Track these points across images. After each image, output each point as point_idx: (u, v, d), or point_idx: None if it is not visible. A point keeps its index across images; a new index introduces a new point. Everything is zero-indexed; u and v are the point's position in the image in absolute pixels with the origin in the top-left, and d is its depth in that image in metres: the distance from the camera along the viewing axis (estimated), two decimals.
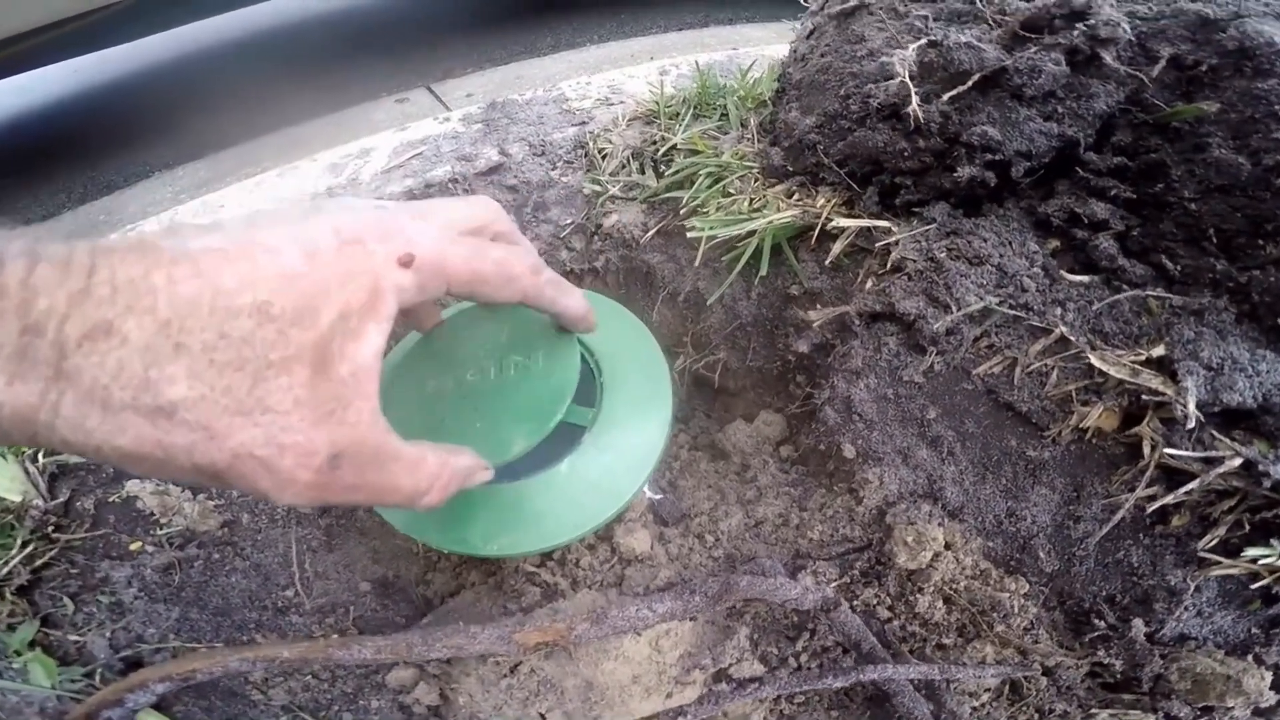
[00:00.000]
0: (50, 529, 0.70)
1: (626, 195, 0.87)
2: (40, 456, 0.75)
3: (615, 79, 1.06)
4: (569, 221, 0.90)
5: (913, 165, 0.63)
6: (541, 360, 0.63)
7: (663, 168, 0.85)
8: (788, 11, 1.33)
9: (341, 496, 0.35)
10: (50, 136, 1.60)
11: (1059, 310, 0.58)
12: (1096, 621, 0.56)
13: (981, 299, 0.59)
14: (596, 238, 0.88)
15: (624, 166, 0.89)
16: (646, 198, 0.85)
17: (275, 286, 0.30)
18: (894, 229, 0.65)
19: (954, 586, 0.59)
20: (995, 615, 0.57)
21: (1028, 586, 0.57)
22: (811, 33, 0.75)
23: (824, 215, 0.69)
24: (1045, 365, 0.58)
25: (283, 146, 1.22)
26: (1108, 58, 0.56)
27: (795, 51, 0.76)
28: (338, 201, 0.36)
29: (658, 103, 0.90)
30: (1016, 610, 0.58)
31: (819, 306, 0.68)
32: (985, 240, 0.61)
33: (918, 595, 0.59)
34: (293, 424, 0.31)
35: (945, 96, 0.59)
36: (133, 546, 0.72)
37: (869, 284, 0.67)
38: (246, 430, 0.30)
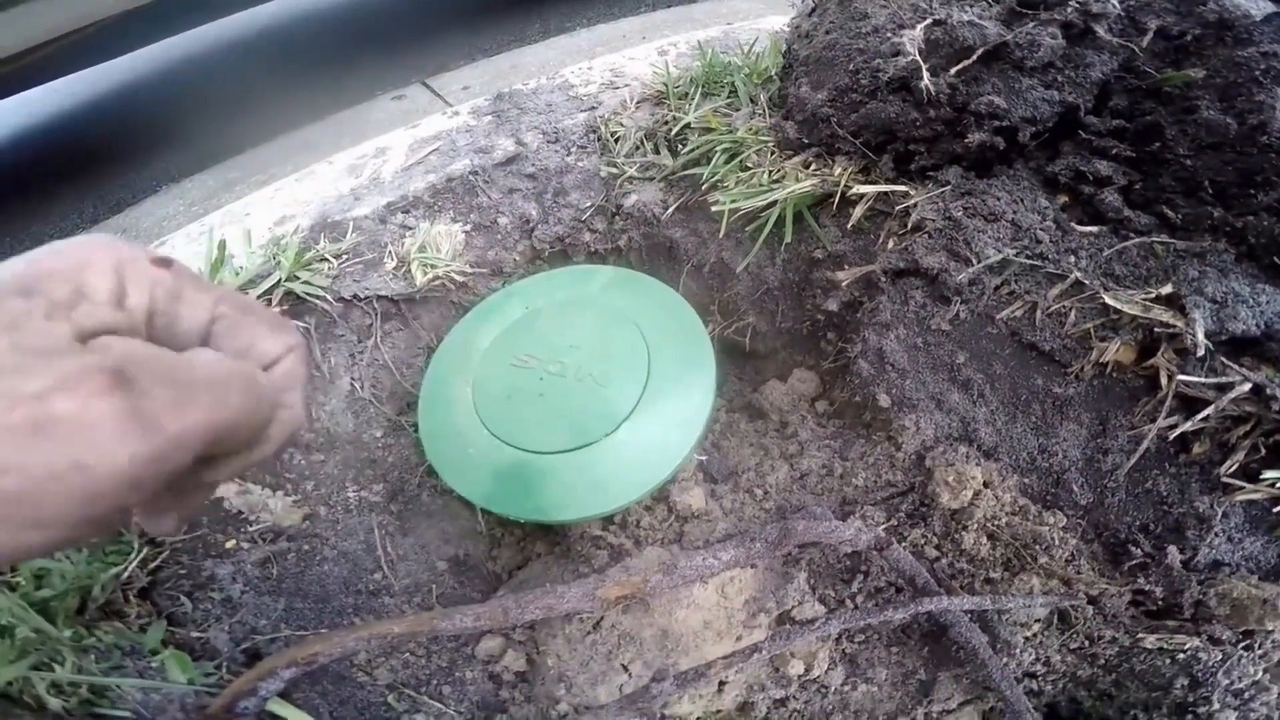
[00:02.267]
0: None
1: (644, 175, 0.88)
2: None
3: (616, 62, 1.06)
4: (589, 204, 0.91)
5: (925, 133, 0.65)
6: (612, 382, 0.67)
7: (678, 146, 0.86)
8: None
9: (180, 421, 0.25)
10: (50, 156, 1.56)
11: (1072, 258, 0.61)
12: (1134, 550, 0.59)
13: (1000, 251, 0.62)
14: (618, 218, 0.90)
15: (638, 148, 0.90)
16: (664, 176, 0.86)
17: None
18: (911, 192, 0.68)
19: (996, 523, 0.63)
20: (1038, 548, 0.61)
21: (1065, 520, 0.61)
22: (814, 10, 0.76)
23: (842, 183, 0.70)
24: (1063, 307, 0.61)
25: (286, 151, 1.20)
26: (1100, 30, 0.58)
27: (799, 29, 0.77)
28: None
29: (665, 84, 0.91)
30: (1057, 543, 0.62)
31: (846, 267, 0.71)
32: (999, 199, 0.63)
33: (962, 533, 0.63)
34: (38, 366, 0.23)
35: (952, 70, 0.61)
36: (228, 545, 0.75)
37: (890, 244, 0.69)
38: None
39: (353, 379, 0.83)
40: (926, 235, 0.66)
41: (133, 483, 0.23)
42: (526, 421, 0.67)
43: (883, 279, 0.69)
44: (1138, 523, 0.61)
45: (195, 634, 0.62)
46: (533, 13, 1.26)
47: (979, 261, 0.62)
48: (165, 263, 0.29)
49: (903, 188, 0.68)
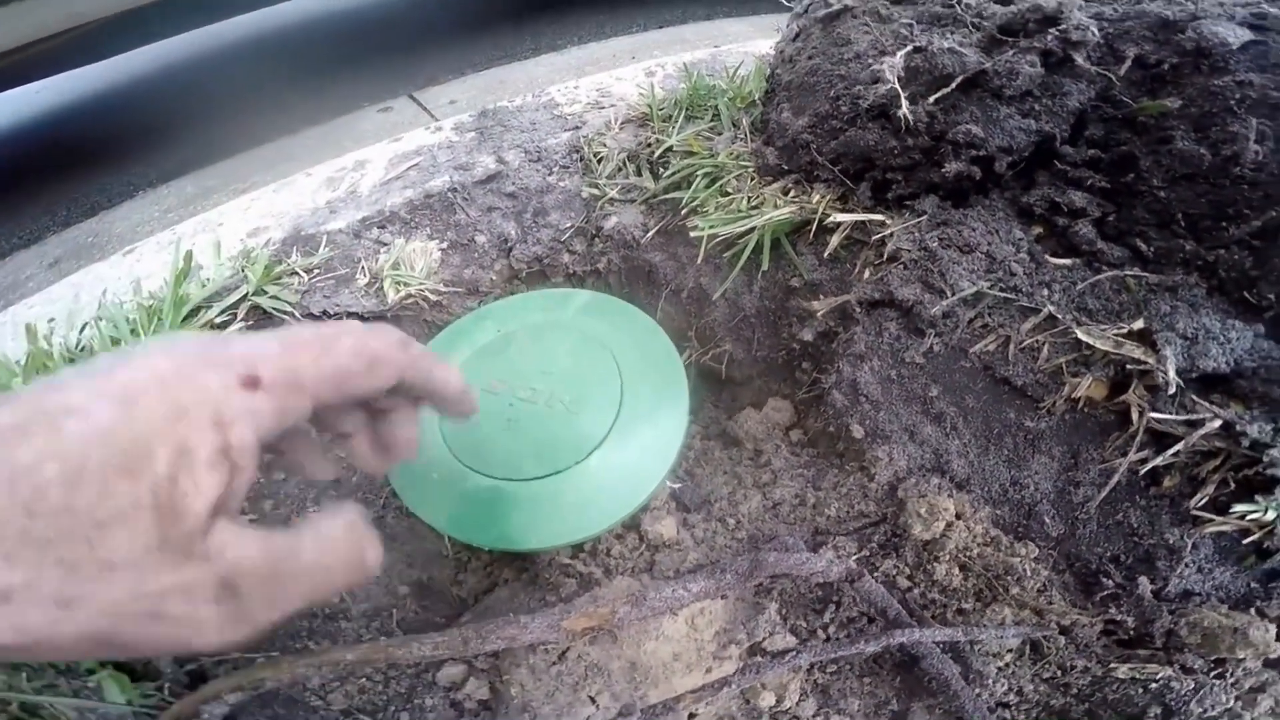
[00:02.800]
0: None
1: (625, 197, 0.87)
2: None
3: (603, 81, 1.05)
4: (569, 225, 0.90)
5: (903, 162, 0.65)
6: (583, 410, 0.65)
7: (659, 169, 0.85)
8: (766, 4, 1.33)
9: (279, 612, 0.30)
10: (25, 158, 1.52)
11: (1045, 291, 0.60)
12: (1105, 581, 0.59)
13: (974, 284, 0.61)
14: (598, 240, 0.89)
15: (620, 169, 0.89)
16: (645, 199, 0.86)
17: (86, 448, 0.26)
18: (888, 221, 0.67)
19: (968, 554, 0.62)
20: (1010, 579, 0.60)
21: (1037, 551, 0.60)
22: (798, 35, 0.76)
23: (820, 210, 0.70)
24: (1036, 341, 0.60)
25: (269, 161, 1.18)
26: (1079, 59, 0.58)
27: (783, 53, 0.77)
28: (154, 341, 0.32)
29: (650, 105, 0.90)
30: (1029, 574, 0.61)
31: (821, 297, 0.70)
32: (974, 229, 0.63)
33: (935, 564, 0.62)
34: (152, 568, 0.26)
35: (931, 98, 0.61)
36: None
37: (866, 274, 0.69)
38: (106, 592, 0.26)
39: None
40: (902, 266, 0.66)
41: (223, 650, 0.30)
42: (494, 448, 0.65)
43: (858, 309, 0.68)
44: (1109, 554, 0.60)
45: None
46: (524, 30, 1.25)
47: (953, 294, 0.61)
48: (254, 383, 0.30)
49: (879, 217, 0.67)
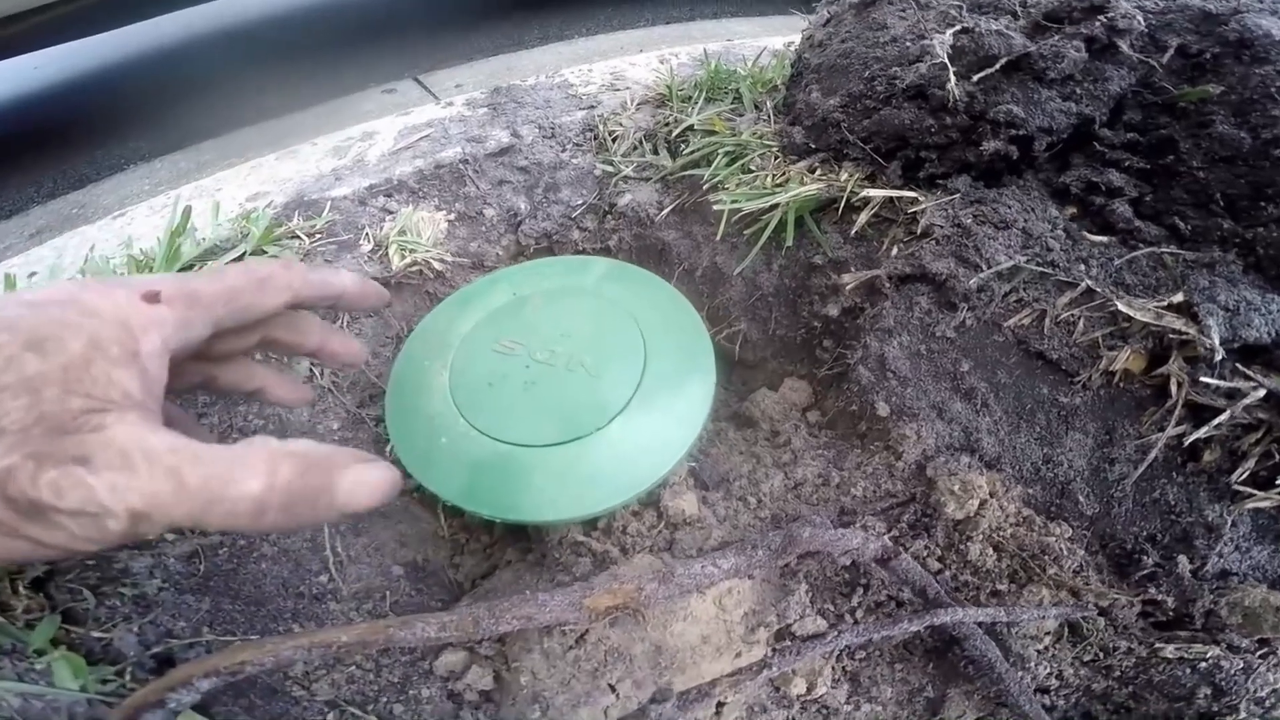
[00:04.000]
0: None
1: (640, 175, 0.84)
2: None
3: (617, 66, 1.03)
4: (580, 202, 0.86)
5: (939, 140, 0.63)
6: (605, 374, 0.61)
7: (678, 148, 0.82)
8: (773, 7, 1.33)
9: (102, 500, 0.27)
10: (17, 129, 1.42)
11: (1083, 266, 0.58)
12: (1142, 560, 0.56)
13: (1011, 258, 0.59)
14: (610, 217, 0.85)
15: (636, 148, 0.86)
16: (661, 177, 0.82)
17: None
18: (921, 198, 0.65)
19: (1001, 534, 0.58)
20: (1046, 559, 0.57)
21: (1071, 530, 0.57)
22: (829, 21, 0.74)
23: (849, 188, 0.67)
24: (1072, 315, 0.58)
25: (268, 137, 1.12)
26: (1123, 46, 0.58)
27: (812, 39, 0.75)
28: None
29: (669, 87, 0.88)
30: (1065, 554, 0.57)
31: (850, 272, 0.67)
32: (1009, 207, 0.61)
33: (968, 544, 0.58)
34: (36, 438, 0.26)
35: (975, 78, 0.59)
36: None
37: (895, 250, 0.66)
38: None
39: (312, 365, 0.74)
40: (934, 241, 0.63)
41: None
42: (509, 411, 0.59)
43: (887, 284, 0.65)
44: (1145, 533, 0.57)
45: (97, 634, 0.51)
46: (532, 18, 1.22)
47: (989, 268, 0.59)
48: (154, 296, 0.31)
49: (912, 194, 0.65)
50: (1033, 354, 0.60)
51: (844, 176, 0.68)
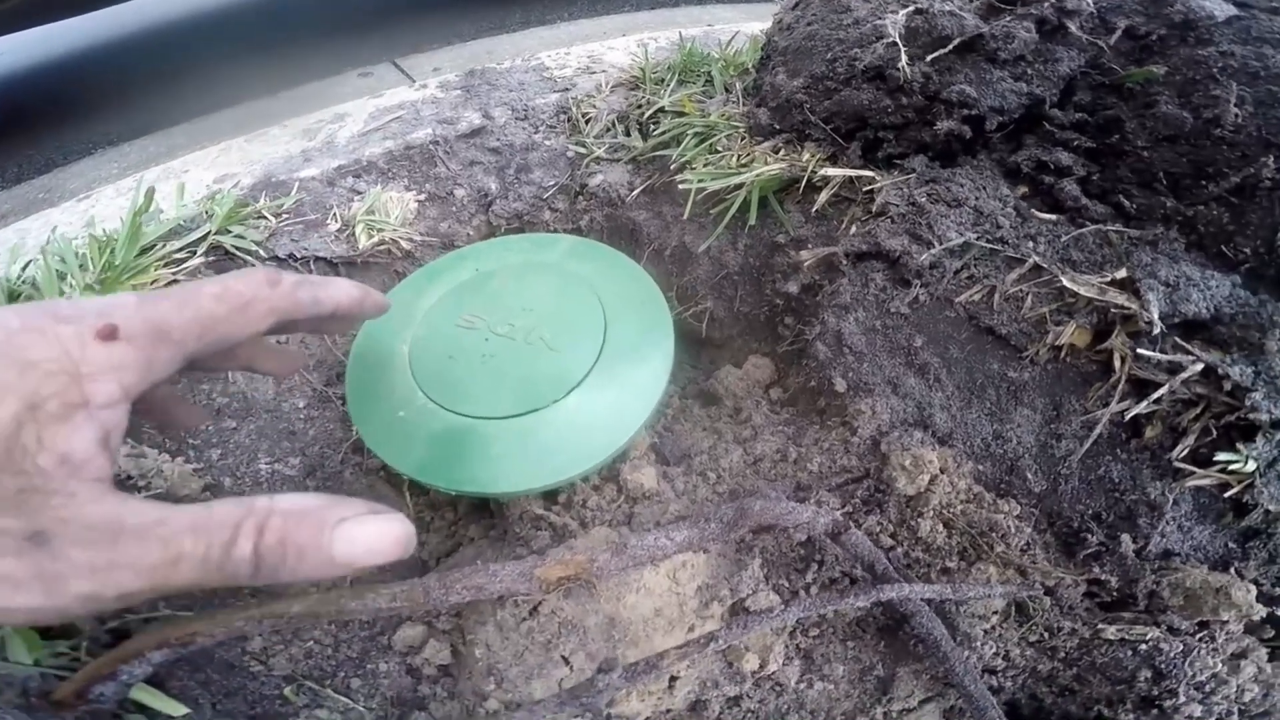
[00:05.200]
0: None
1: (611, 156, 0.84)
2: None
3: (594, 50, 1.03)
4: (552, 183, 0.87)
5: (895, 120, 0.64)
6: (564, 347, 0.61)
7: (649, 129, 0.83)
8: None
9: (94, 584, 0.25)
10: None
11: (1031, 243, 0.60)
12: (1087, 539, 0.56)
13: (962, 235, 0.60)
14: (581, 198, 0.85)
15: (609, 129, 0.87)
16: (632, 158, 0.83)
17: None
18: (878, 178, 0.66)
19: (951, 511, 0.59)
20: (994, 536, 0.58)
21: (1019, 508, 0.58)
22: (797, 4, 0.75)
23: (810, 168, 0.68)
24: (1021, 291, 0.59)
25: (240, 120, 1.12)
26: (1073, 27, 0.59)
27: (781, 22, 0.76)
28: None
29: (642, 69, 0.88)
30: (1013, 531, 0.58)
31: (809, 248, 0.68)
32: (962, 186, 0.62)
33: (918, 520, 0.59)
34: None
35: (928, 58, 0.60)
36: None
37: (853, 229, 0.67)
38: None
39: (278, 342, 0.74)
40: (890, 220, 0.64)
41: (34, 622, 0.25)
42: (468, 384, 0.60)
43: (844, 261, 0.66)
44: (1090, 510, 0.58)
45: None
46: (515, 2, 1.22)
47: (941, 244, 0.60)
48: (111, 332, 0.27)
49: (869, 173, 0.66)
50: (983, 329, 0.61)
51: (806, 157, 0.69)
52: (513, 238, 0.72)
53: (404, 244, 0.78)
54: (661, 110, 0.81)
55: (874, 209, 0.65)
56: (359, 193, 0.83)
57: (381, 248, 0.78)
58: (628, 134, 0.83)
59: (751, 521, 0.57)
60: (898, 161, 0.66)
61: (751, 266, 0.73)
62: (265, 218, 0.79)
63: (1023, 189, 0.62)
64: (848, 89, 0.65)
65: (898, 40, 0.57)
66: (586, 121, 0.86)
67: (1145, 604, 0.56)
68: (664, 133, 0.78)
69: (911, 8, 0.58)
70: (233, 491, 0.68)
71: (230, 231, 0.75)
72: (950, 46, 0.58)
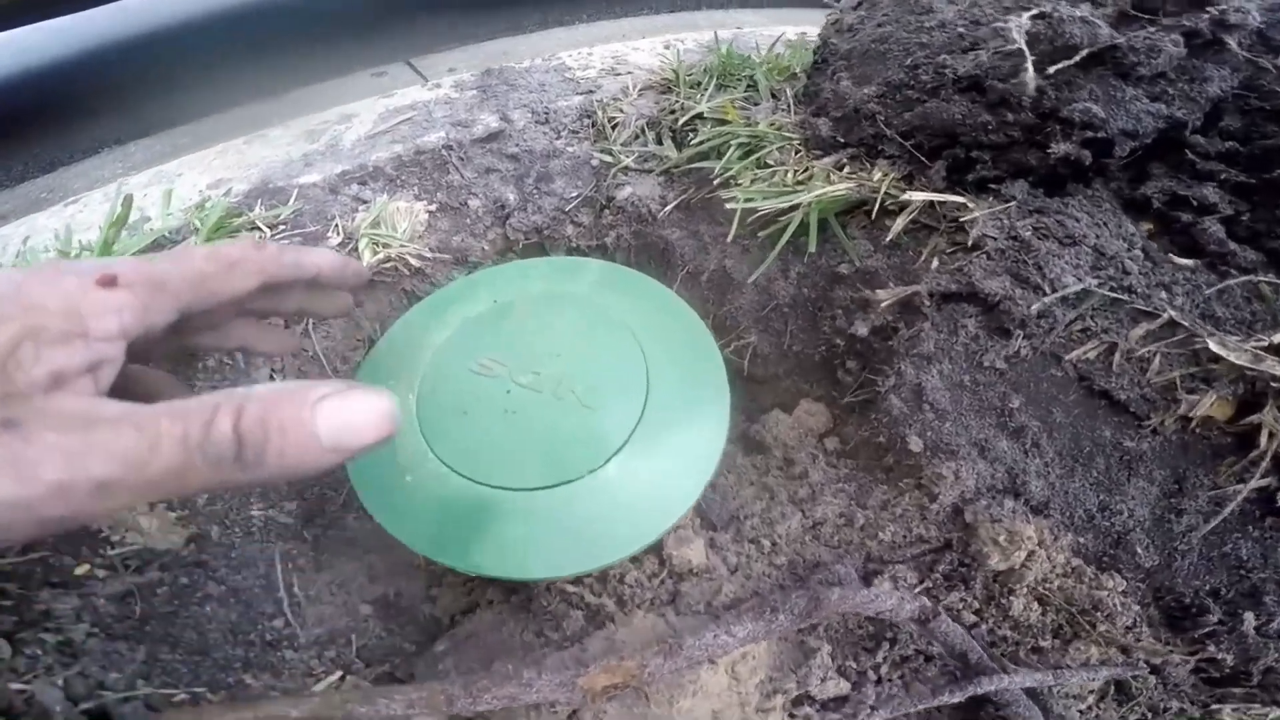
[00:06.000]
0: None
1: (641, 167, 0.65)
2: None
3: (619, 50, 0.82)
4: (575, 194, 0.67)
5: (996, 139, 0.46)
6: (600, 403, 0.43)
7: (685, 138, 0.64)
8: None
9: (66, 471, 0.21)
10: None
11: (1164, 294, 0.43)
12: (1202, 616, 0.43)
13: (1080, 280, 0.43)
14: (607, 211, 0.66)
15: (637, 136, 0.67)
16: (665, 169, 0.64)
17: None
18: (970, 205, 0.48)
19: (1047, 586, 0.44)
20: (1096, 614, 0.43)
21: (1125, 584, 0.43)
22: (861, 3, 0.55)
23: (883, 189, 0.50)
24: (1148, 351, 0.43)
25: (249, 120, 0.91)
26: (1231, 43, 0.40)
27: (840, 23, 0.57)
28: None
29: (675, 71, 0.68)
30: (1118, 609, 0.44)
31: (890, 285, 0.50)
32: (1077, 220, 0.45)
33: (1010, 598, 0.44)
34: None
35: (1049, 70, 0.41)
36: (78, 571, 0.47)
37: (936, 262, 0.49)
38: None
39: (274, 372, 0.56)
40: (986, 256, 0.47)
41: (6, 522, 0.21)
42: (487, 446, 0.43)
43: (927, 302, 0.49)
44: (1208, 586, 0.43)
45: (16, 686, 0.35)
46: (529, 3, 1.01)
47: (1053, 290, 0.43)
48: (111, 280, 0.26)
49: (960, 199, 0.48)
50: (1096, 392, 0.45)
51: (877, 175, 0.51)
52: (533, 261, 0.54)
53: (413, 261, 0.60)
54: (699, 117, 0.61)
55: (966, 242, 0.48)
56: (364, 202, 0.63)
57: (388, 265, 0.59)
58: (659, 142, 0.64)
59: (826, 612, 0.41)
60: (992, 187, 0.47)
61: (806, 299, 0.55)
62: (259, 229, 0.59)
63: (1148, 226, 0.45)
64: (935, 100, 0.47)
65: (1024, 48, 0.38)
66: (613, 127, 0.67)
67: (1259, 680, 0.43)
68: (703, 142, 0.59)
69: (1034, 10, 0.39)
70: (220, 545, 0.50)
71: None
72: (1077, 58, 0.40)
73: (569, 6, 1.01)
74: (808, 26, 0.93)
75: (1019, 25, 0.40)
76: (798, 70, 0.63)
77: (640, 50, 0.82)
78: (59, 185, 1.00)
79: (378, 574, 0.53)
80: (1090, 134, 0.43)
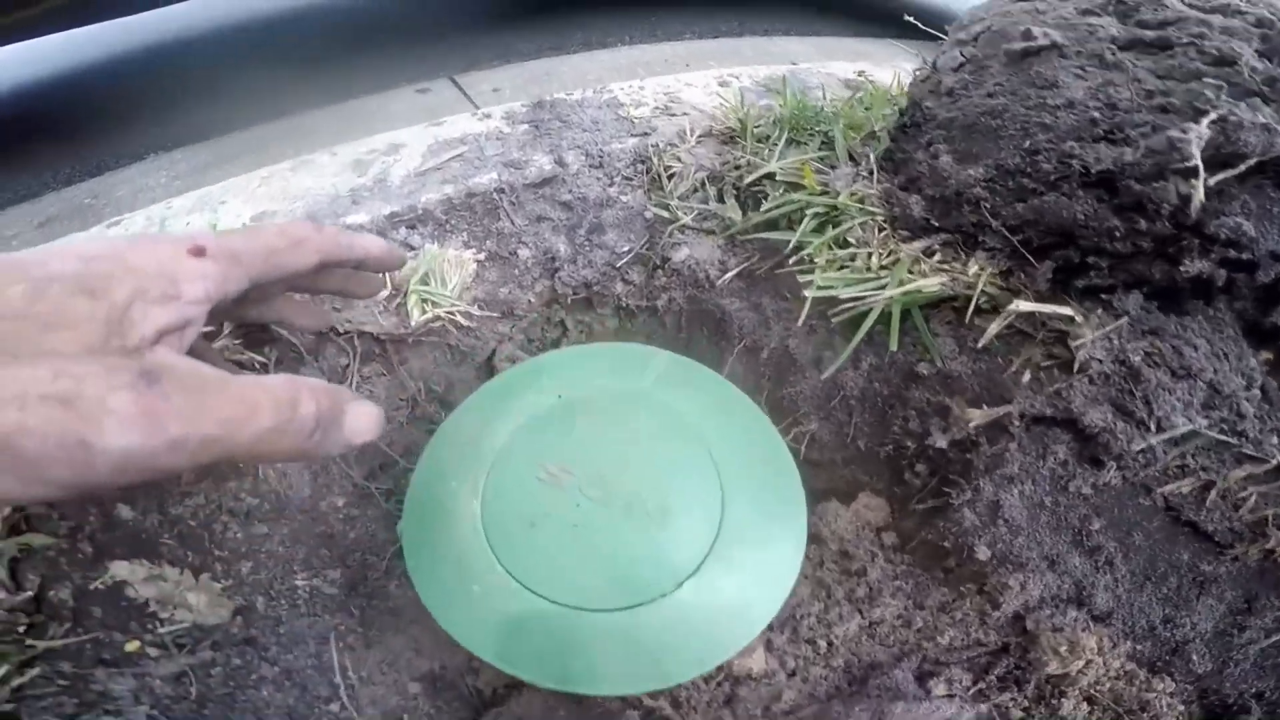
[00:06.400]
0: (22, 629, 0.40)
1: (700, 225, 0.57)
2: None
3: (670, 85, 0.73)
4: (627, 249, 0.60)
5: (1120, 248, 0.38)
6: (673, 521, 0.38)
7: (749, 198, 0.56)
8: (829, 26, 1.02)
9: (185, 427, 0.22)
10: (39, 112, 1.08)
11: (1276, 439, 0.36)
12: (1243, 716, 0.39)
13: (1190, 421, 0.36)
14: (661, 272, 0.59)
15: (696, 190, 0.59)
16: (728, 233, 0.56)
17: (49, 281, 0.22)
18: (1078, 319, 0.41)
19: (1099, 689, 0.40)
20: (1144, 715, 0.38)
21: (1174, 686, 0.39)
22: (963, 65, 0.46)
23: (979, 286, 0.43)
24: (1246, 492, 0.36)
25: (292, 133, 0.82)
26: None
27: (939, 85, 0.47)
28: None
29: (742, 121, 0.59)
30: (1165, 710, 0.40)
31: (965, 393, 0.43)
32: (1194, 347, 0.38)
33: (1060, 699, 0.40)
34: (84, 358, 0.21)
35: (1212, 180, 0.33)
36: (129, 647, 0.43)
37: (1027, 375, 0.43)
38: (29, 373, 0.20)
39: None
40: (1089, 380, 0.40)
41: (120, 468, 0.21)
42: (555, 561, 0.37)
43: (1016, 423, 0.42)
44: (1254, 690, 0.39)
45: None
46: (574, 21, 0.91)
47: (1159, 430, 0.37)
48: (200, 251, 0.27)
49: (1068, 311, 0.40)
50: (1182, 522, 0.39)
51: (973, 269, 0.43)
52: (594, 350, 0.47)
53: (461, 320, 0.52)
54: (769, 177, 0.53)
55: (1068, 357, 0.40)
56: (412, 248, 0.56)
57: (436, 324, 0.52)
58: (721, 200, 0.56)
59: None
60: (1104, 296, 0.40)
61: (876, 393, 0.48)
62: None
63: (1268, 356, 0.37)
64: (1055, 194, 0.39)
65: (1199, 164, 0.30)
66: (669, 177, 0.59)
67: None
68: (774, 208, 0.51)
69: (1213, 115, 0.31)
70: (268, 619, 0.46)
71: None
72: (1242, 167, 0.32)
73: (612, 28, 0.90)
74: (863, 63, 0.82)
75: (1198, 136, 0.32)
76: (877, 129, 0.55)
77: (694, 87, 0.72)
78: (103, 192, 0.92)
79: (423, 647, 0.49)
80: (1233, 253, 0.36)
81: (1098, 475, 0.39)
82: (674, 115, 0.67)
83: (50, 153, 0.95)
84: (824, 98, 0.63)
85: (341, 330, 0.52)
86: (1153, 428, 0.37)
